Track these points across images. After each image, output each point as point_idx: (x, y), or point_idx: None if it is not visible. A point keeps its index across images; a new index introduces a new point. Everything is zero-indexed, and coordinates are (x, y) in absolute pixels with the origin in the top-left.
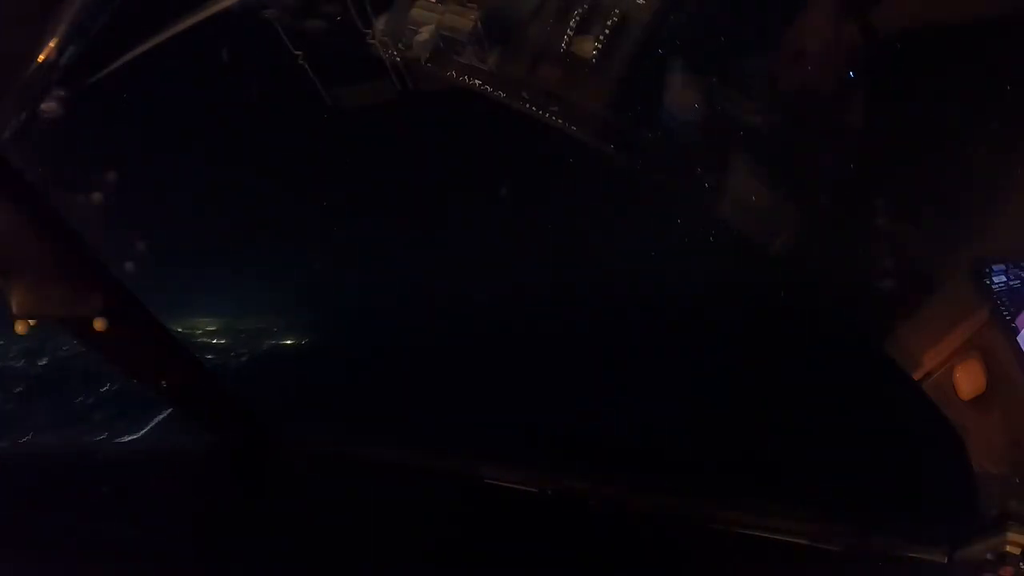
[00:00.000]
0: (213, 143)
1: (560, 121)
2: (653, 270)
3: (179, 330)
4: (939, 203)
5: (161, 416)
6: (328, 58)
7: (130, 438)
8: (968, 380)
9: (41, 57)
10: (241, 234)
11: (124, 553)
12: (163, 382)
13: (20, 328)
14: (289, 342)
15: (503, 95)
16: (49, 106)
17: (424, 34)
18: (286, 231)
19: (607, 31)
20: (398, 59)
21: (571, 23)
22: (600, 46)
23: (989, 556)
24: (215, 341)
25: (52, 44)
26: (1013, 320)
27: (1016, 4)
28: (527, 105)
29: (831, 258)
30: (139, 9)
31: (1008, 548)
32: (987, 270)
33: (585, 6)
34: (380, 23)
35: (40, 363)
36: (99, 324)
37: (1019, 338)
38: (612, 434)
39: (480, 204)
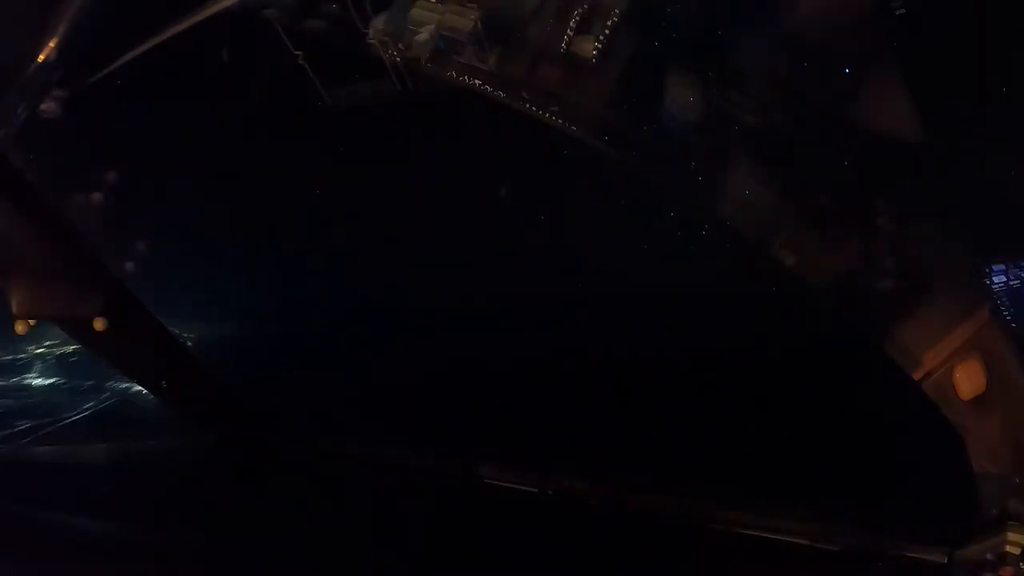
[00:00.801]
0: (213, 143)
1: (560, 121)
2: (653, 270)
3: (179, 330)
4: (940, 203)
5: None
6: (328, 58)
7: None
8: (968, 380)
9: (41, 57)
10: (242, 234)
11: (124, 553)
12: (163, 382)
13: (20, 328)
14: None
15: (503, 95)
16: (49, 106)
17: (424, 34)
18: (287, 231)
19: (607, 31)
20: (398, 59)
21: (571, 23)
22: (600, 46)
23: (989, 556)
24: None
25: (52, 44)
26: (1013, 320)
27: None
28: (527, 105)
29: (831, 258)
30: (139, 9)
31: (1008, 548)
32: (987, 270)
33: (585, 6)
34: (380, 23)
35: (39, 364)
36: (99, 324)
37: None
38: (612, 434)
39: (480, 203)
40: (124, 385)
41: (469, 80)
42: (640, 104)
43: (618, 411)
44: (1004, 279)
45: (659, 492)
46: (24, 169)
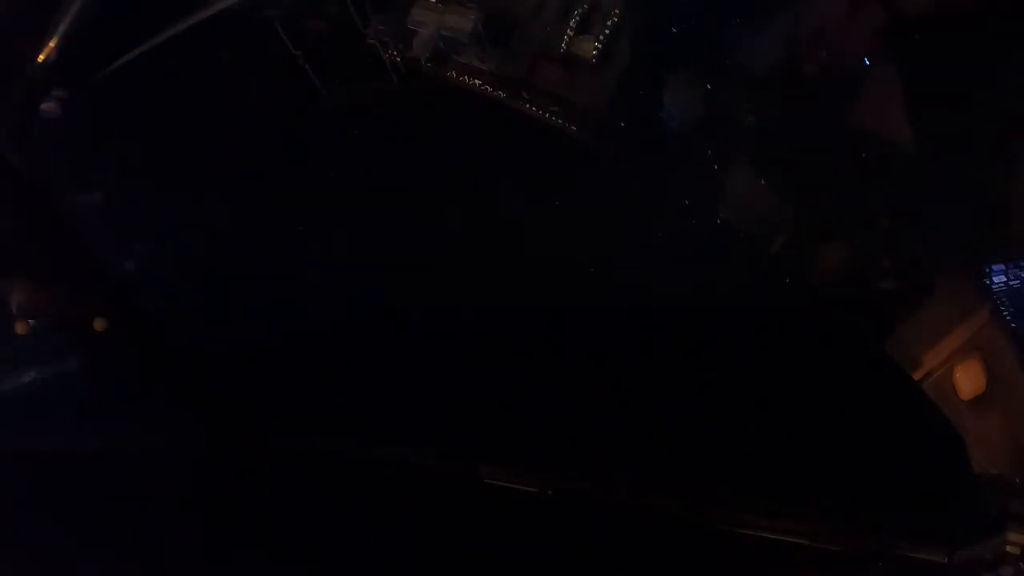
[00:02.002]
0: (213, 143)
1: (560, 121)
2: (653, 270)
3: (179, 330)
4: (940, 203)
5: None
6: (328, 58)
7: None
8: (968, 380)
9: (41, 57)
10: (242, 234)
11: (124, 553)
12: (163, 382)
13: (20, 328)
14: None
15: (503, 95)
16: (49, 106)
17: (424, 34)
18: (287, 230)
19: (607, 31)
20: (398, 59)
21: (571, 23)
22: (600, 46)
23: (989, 556)
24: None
25: (52, 44)
26: (1013, 320)
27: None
28: (527, 105)
29: (832, 258)
30: (139, 9)
31: (1008, 548)
32: (987, 270)
33: (585, 6)
34: (380, 23)
35: (38, 363)
36: (99, 324)
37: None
38: (612, 434)
39: (479, 203)
40: (123, 384)
41: (469, 80)
42: (640, 104)
43: (618, 411)
44: (1004, 279)
45: (660, 492)
46: (24, 169)
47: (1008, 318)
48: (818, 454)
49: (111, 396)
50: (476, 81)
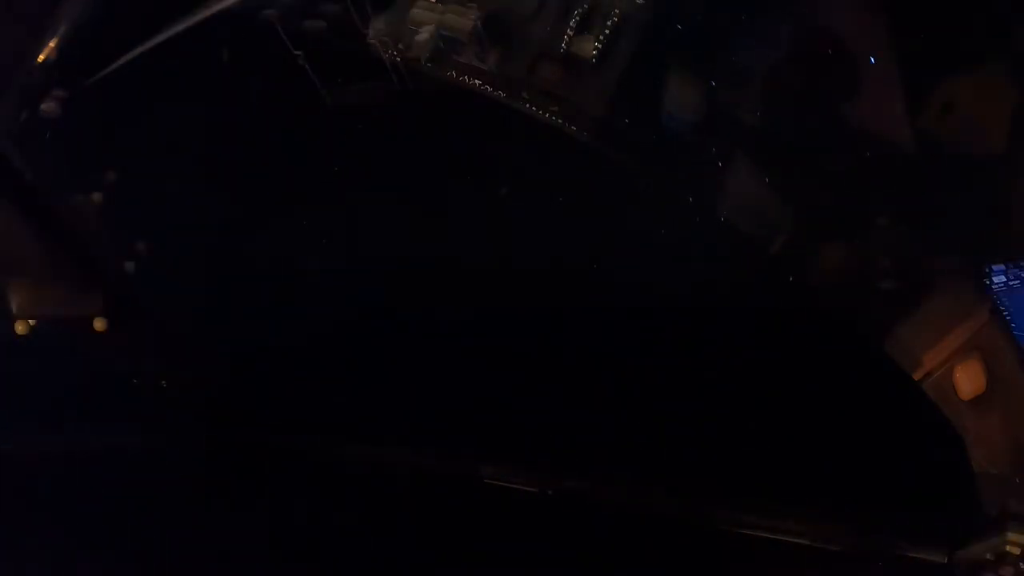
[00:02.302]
0: (213, 143)
1: (560, 121)
2: (653, 270)
3: (178, 331)
4: (939, 203)
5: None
6: (328, 58)
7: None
8: (968, 380)
9: (41, 57)
10: (242, 234)
11: (124, 553)
12: (163, 382)
13: (20, 328)
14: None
15: (503, 95)
16: (49, 106)
17: (424, 34)
18: (287, 230)
19: (607, 31)
20: (398, 59)
21: (571, 23)
22: (600, 46)
23: (989, 556)
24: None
25: (52, 44)
26: (1013, 320)
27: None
28: (527, 105)
29: (832, 258)
30: (139, 9)
31: (1008, 548)
32: (987, 270)
33: (585, 6)
34: (380, 23)
35: (38, 363)
36: (99, 324)
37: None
38: (612, 434)
39: (479, 204)
40: (123, 385)
41: (469, 80)
42: (640, 104)
43: (618, 411)
44: (1004, 279)
45: (659, 492)
46: (24, 169)
47: (1008, 318)
48: (818, 454)
49: (111, 396)
50: (476, 81)
